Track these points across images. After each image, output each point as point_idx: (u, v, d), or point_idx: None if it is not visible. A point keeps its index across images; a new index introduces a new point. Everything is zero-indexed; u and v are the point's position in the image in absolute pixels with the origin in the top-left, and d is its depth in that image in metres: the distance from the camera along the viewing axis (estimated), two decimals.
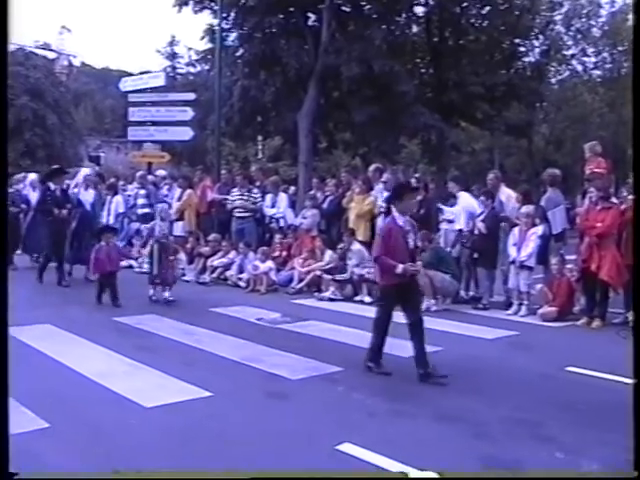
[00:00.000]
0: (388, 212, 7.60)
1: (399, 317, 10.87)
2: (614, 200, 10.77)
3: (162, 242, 11.98)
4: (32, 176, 17.98)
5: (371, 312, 11.11)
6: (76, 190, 15.24)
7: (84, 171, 16.21)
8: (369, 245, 13.19)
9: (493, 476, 4.63)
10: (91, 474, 4.64)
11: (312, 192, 15.74)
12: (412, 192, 7.90)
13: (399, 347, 8.70)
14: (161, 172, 19.62)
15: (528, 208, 11.37)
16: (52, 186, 13.77)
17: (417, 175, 14.87)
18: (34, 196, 16.21)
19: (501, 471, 4.97)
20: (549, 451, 5.32)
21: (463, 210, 12.38)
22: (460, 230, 12.34)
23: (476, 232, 11.91)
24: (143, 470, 4.78)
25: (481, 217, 11.94)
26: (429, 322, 10.40)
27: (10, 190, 15.56)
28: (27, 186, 17.42)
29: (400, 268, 7.26)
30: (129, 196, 17.75)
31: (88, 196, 15.02)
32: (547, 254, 11.35)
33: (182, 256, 14.32)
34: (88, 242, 13.68)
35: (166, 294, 11.87)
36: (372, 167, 14.71)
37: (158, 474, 4.57)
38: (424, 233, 12.14)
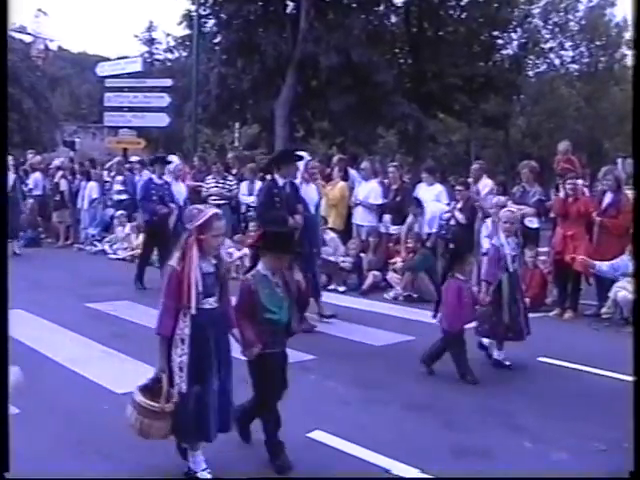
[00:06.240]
0: None
1: (372, 306, 10.90)
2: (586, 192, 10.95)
3: (511, 273, 7.46)
4: (175, 159, 14.13)
5: (344, 301, 11.23)
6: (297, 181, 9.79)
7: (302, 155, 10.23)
8: (344, 234, 13.22)
9: (489, 476, 4.65)
10: (85, 474, 4.63)
11: None
12: None
13: (371, 335, 8.77)
14: (134, 158, 19.50)
15: (500, 199, 11.42)
16: (280, 180, 9.12)
17: (395, 163, 14.81)
18: (178, 190, 12.84)
19: (470, 459, 5.02)
20: (518, 440, 5.37)
21: (430, 213, 12.37)
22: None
23: (452, 222, 11.94)
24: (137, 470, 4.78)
25: (459, 206, 11.97)
26: (402, 311, 10.53)
27: (157, 181, 12.11)
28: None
29: None
30: (105, 182, 17.62)
31: (312, 192, 10.30)
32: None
33: None
34: (313, 260, 9.84)
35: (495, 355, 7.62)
36: (336, 158, 14.67)
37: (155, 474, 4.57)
38: (416, 234, 12.18)
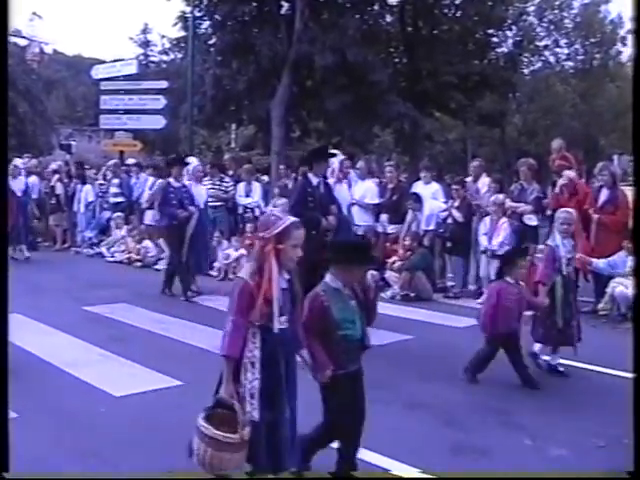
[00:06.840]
0: None
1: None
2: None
3: (565, 276, 7.24)
4: (193, 161, 13.40)
5: None
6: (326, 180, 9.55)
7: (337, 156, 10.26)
8: None
9: (490, 476, 4.64)
10: (84, 474, 4.63)
11: (282, 181, 15.75)
12: None
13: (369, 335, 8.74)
14: (131, 160, 19.47)
15: (498, 197, 11.42)
16: (314, 179, 8.85)
17: (392, 162, 14.81)
18: (198, 192, 12.16)
19: (470, 457, 5.01)
20: (518, 438, 5.37)
21: (428, 210, 12.35)
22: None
23: (450, 220, 11.93)
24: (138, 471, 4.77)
25: (456, 204, 11.95)
26: (399, 310, 10.51)
27: (175, 184, 11.35)
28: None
29: None
30: (101, 185, 17.58)
31: (344, 192, 10.39)
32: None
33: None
34: None
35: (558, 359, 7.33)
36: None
37: (155, 475, 4.55)
38: (413, 232, 12.17)
